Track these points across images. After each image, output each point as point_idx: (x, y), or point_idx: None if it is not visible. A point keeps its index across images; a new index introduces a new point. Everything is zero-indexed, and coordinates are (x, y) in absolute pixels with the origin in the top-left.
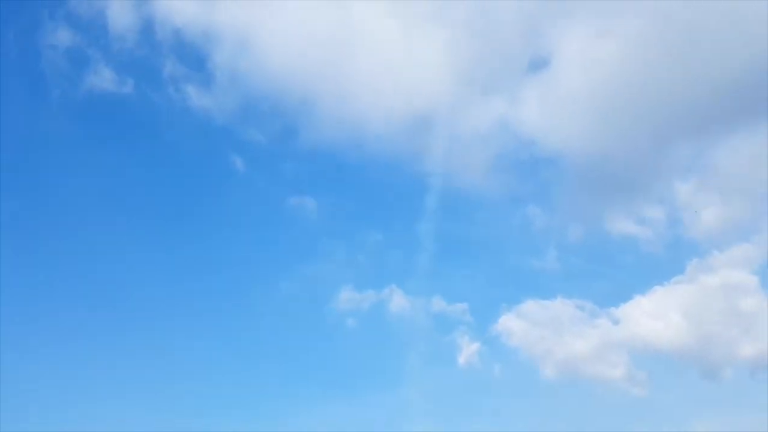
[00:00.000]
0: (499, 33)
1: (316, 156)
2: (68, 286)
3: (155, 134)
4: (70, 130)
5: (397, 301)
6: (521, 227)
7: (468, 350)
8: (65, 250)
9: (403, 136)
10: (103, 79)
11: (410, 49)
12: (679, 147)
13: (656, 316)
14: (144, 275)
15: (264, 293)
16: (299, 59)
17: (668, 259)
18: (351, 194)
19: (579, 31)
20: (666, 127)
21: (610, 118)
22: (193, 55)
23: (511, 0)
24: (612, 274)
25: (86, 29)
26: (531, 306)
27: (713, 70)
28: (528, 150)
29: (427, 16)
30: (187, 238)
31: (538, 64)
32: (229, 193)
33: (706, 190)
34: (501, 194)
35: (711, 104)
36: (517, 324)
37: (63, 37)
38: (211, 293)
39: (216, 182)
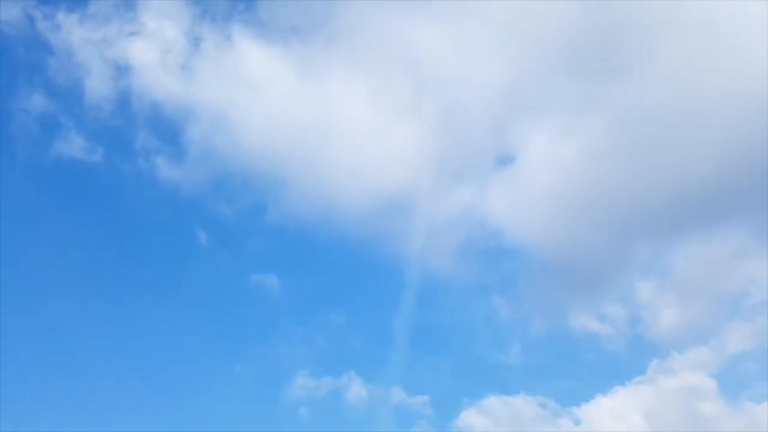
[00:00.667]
0: (469, 127)
1: (283, 233)
2: (20, 359)
3: (120, 203)
4: (32, 194)
5: (355, 389)
6: (486, 318)
7: None
8: (17, 320)
9: (373, 219)
10: (72, 146)
11: (384, 135)
12: (640, 247)
13: (618, 417)
14: (92, 349)
15: (215, 375)
16: (274, 137)
17: (630, 359)
18: (316, 274)
19: (544, 130)
20: (627, 226)
21: (574, 215)
22: (167, 128)
23: (481, 96)
24: (575, 371)
25: (62, 97)
26: (493, 402)
27: (672, 176)
28: (495, 240)
29: (402, 106)
30: (144, 311)
31: (505, 159)
32: (190, 268)
33: (664, 292)
34: (467, 283)
35: (670, 208)
36: (479, 420)
37: (37, 102)
38: (160, 370)
39: (178, 256)
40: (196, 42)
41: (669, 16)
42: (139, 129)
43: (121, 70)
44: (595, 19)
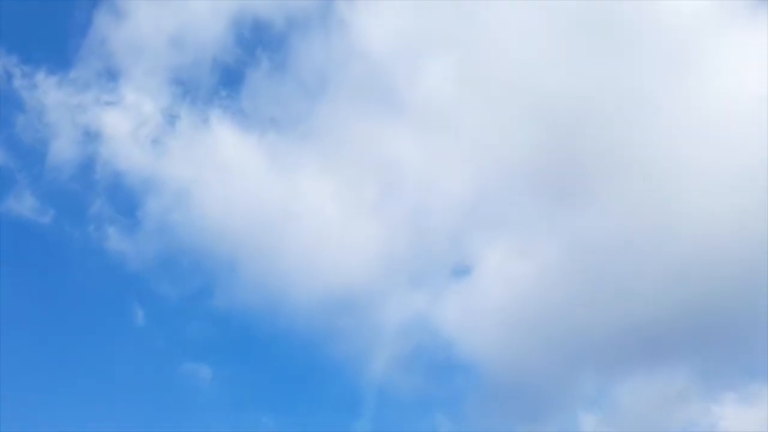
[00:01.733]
0: (430, 234)
1: (226, 321)
2: None
3: (61, 268)
4: None
5: None
6: None
7: None
8: None
9: (322, 316)
10: (23, 204)
11: (345, 233)
12: (587, 377)
13: None
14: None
15: None
16: (234, 222)
17: None
18: (253, 369)
19: (501, 246)
20: (576, 354)
21: (524, 337)
22: (125, 199)
23: (444, 206)
24: None
25: (24, 154)
26: None
27: (621, 309)
28: (445, 352)
29: (367, 207)
30: (63, 385)
31: (462, 270)
32: (120, 346)
33: (608, 426)
34: (413, 394)
35: (617, 341)
36: None
37: None
38: None
39: (110, 331)
40: (172, 120)
41: (630, 154)
42: (96, 196)
43: (91, 136)
44: (559, 148)
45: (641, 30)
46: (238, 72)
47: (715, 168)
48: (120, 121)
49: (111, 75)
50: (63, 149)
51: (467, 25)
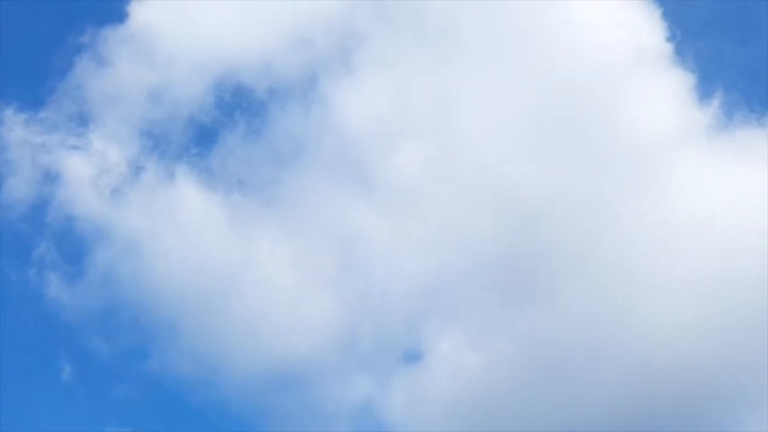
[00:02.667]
0: (384, 315)
1: (158, 385)
2: None
3: None
4: None
5: None
6: None
7: None
8: None
9: (261, 390)
10: None
11: (297, 305)
12: None
13: None
14: None
15: None
16: (183, 280)
17: None
18: None
19: (454, 336)
20: None
21: (471, 430)
22: (73, 246)
23: (400, 289)
24: None
25: None
26: None
27: (568, 410)
28: None
29: (322, 280)
30: None
31: (412, 356)
32: (40, 401)
33: None
34: None
35: None
36: None
37: None
38: None
39: (32, 385)
40: (137, 171)
41: (587, 257)
42: (43, 239)
43: (50, 177)
44: (520, 243)
45: (608, 141)
46: (213, 132)
47: (667, 278)
48: (83, 166)
49: (82, 120)
50: (18, 188)
51: (443, 114)
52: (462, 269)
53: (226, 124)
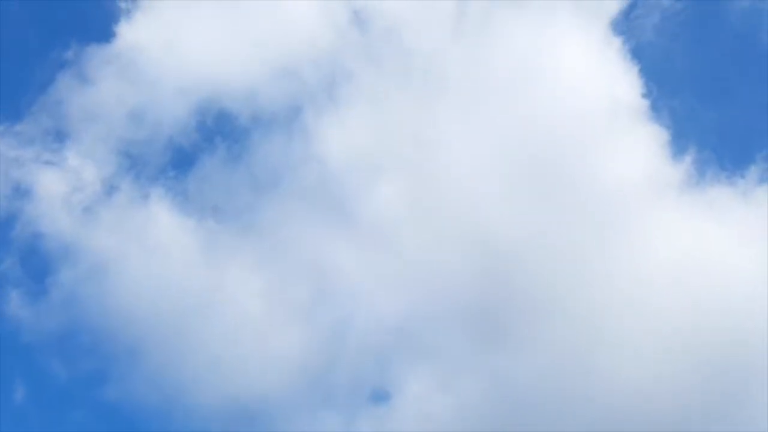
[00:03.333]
0: (353, 351)
1: (114, 413)
2: None
3: None
4: None
5: None
6: None
7: None
8: None
9: (221, 424)
10: None
11: (265, 335)
12: None
13: None
14: None
15: None
16: (148, 305)
17: None
18: None
19: (424, 377)
20: None
21: None
22: (38, 263)
23: (371, 325)
24: None
25: None
26: None
27: None
28: None
29: (292, 312)
30: None
31: (380, 396)
32: None
33: None
34: None
35: None
36: None
37: None
38: None
39: None
40: (110, 190)
41: (559, 303)
42: (8, 255)
43: (20, 192)
44: (493, 286)
45: (584, 190)
46: (192, 156)
47: (636, 329)
48: (56, 182)
49: (58, 135)
50: None
51: (423, 153)
52: (434, 309)
53: (206, 149)
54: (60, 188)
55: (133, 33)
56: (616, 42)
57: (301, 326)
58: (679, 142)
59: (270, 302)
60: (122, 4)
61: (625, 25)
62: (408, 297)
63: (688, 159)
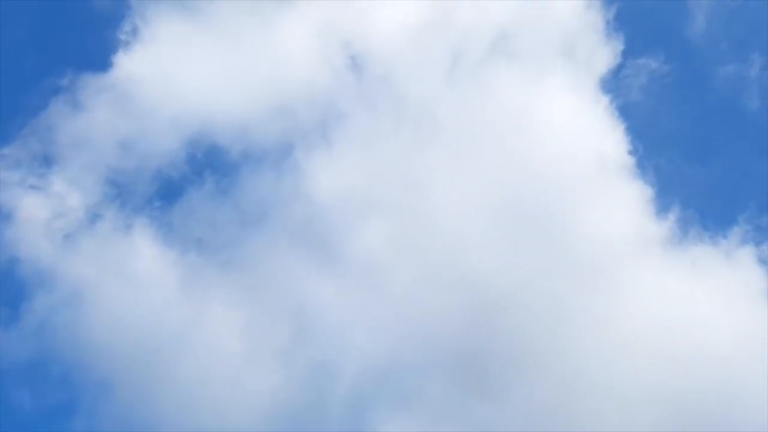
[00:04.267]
0: (330, 396)
1: None
2: None
3: None
4: None
5: None
6: None
7: None
8: None
9: None
10: None
11: (243, 373)
12: None
13: None
14: None
15: None
16: (124, 337)
17: None
18: None
19: (402, 424)
20: None
21: None
22: (14, 289)
23: (351, 369)
24: None
25: None
26: None
27: None
28: None
29: (273, 350)
30: None
31: None
32: None
33: None
34: None
35: None
36: None
37: None
38: None
39: None
40: (93, 218)
41: (542, 356)
42: None
43: (1, 215)
44: (477, 334)
45: (569, 242)
46: (179, 187)
47: (618, 384)
48: (39, 207)
49: (46, 160)
50: None
51: (412, 196)
52: (418, 354)
53: (194, 182)
54: (42, 213)
55: (131, 64)
56: (605, 100)
57: (280, 367)
58: (663, 200)
59: (249, 341)
60: (122, 36)
61: (613, 83)
62: (391, 341)
63: (672, 217)
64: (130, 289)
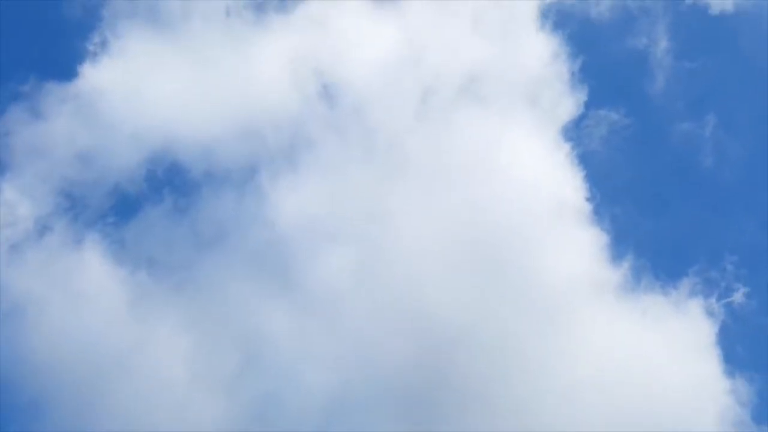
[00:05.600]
0: (282, 427)
1: None
2: None
3: None
4: None
5: None
6: None
7: None
8: None
9: None
10: None
11: (185, 401)
12: None
13: None
14: None
15: None
16: (64, 356)
17: None
18: None
19: None
20: None
21: None
22: None
23: (301, 401)
24: None
25: None
26: None
27: None
28: None
29: (219, 379)
30: None
31: None
32: None
33: None
34: None
35: None
36: None
37: None
38: None
39: None
40: (43, 230)
41: (496, 395)
42: None
43: None
44: (430, 372)
45: (526, 284)
46: (136, 204)
47: (570, 426)
48: None
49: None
50: None
51: (374, 229)
52: (368, 390)
53: (152, 199)
54: None
55: (96, 75)
56: (566, 147)
57: (225, 397)
58: (618, 248)
59: (195, 368)
60: (90, 47)
61: (575, 132)
62: (341, 375)
63: (626, 265)
64: (74, 306)
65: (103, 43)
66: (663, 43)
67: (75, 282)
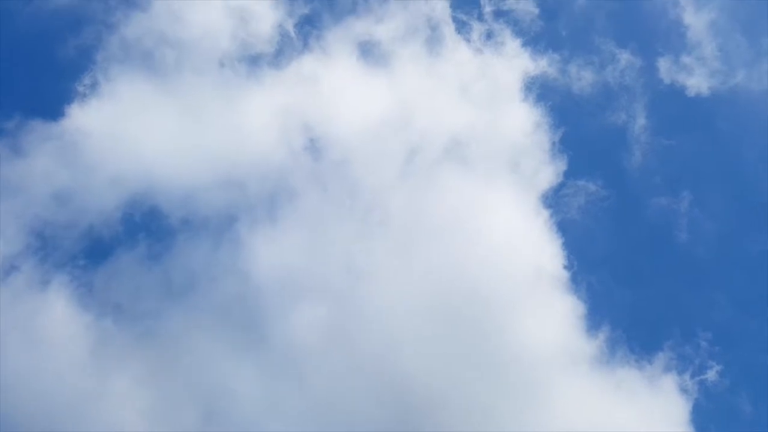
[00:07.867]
0: None
1: None
2: None
3: None
4: None
5: None
6: None
7: None
8: None
9: None
10: None
11: None
12: None
13: None
14: None
15: None
16: (19, 402)
17: None
18: None
19: None
20: None
21: None
22: None
23: None
24: None
25: None
26: None
27: None
28: None
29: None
30: None
31: None
32: None
33: None
34: None
35: None
36: None
37: None
38: None
39: None
40: (9, 269)
41: None
42: None
43: None
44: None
45: (501, 350)
46: (108, 248)
47: None
48: None
49: None
50: None
51: (352, 284)
52: None
53: (125, 244)
54: None
55: (83, 116)
56: (545, 214)
57: None
58: (594, 318)
59: (154, 423)
60: (80, 87)
61: (554, 200)
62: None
63: (602, 336)
64: (34, 349)
65: (93, 85)
66: (641, 120)
67: (37, 324)
